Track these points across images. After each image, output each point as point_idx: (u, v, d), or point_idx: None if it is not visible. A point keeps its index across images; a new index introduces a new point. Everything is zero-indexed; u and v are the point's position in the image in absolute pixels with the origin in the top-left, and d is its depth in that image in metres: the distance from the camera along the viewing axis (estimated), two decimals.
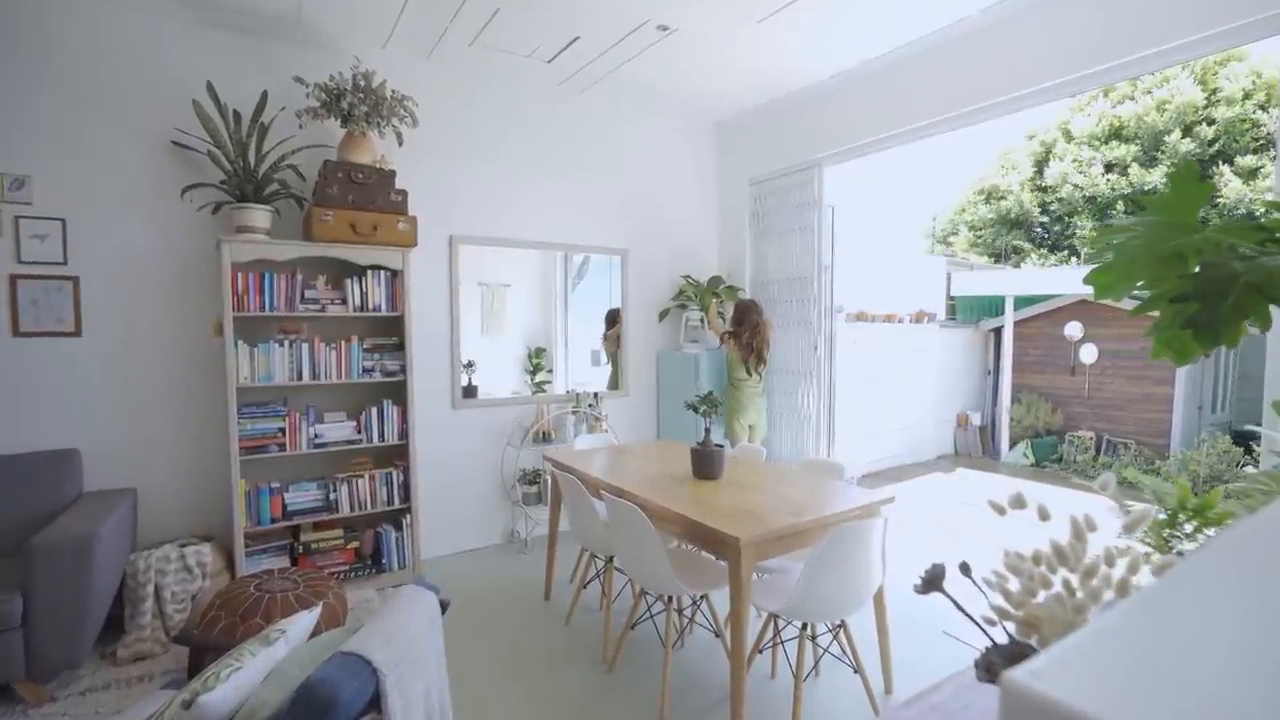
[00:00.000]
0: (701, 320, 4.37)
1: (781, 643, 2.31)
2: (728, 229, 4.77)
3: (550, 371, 4.15)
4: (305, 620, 1.45)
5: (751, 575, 1.90)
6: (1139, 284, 0.65)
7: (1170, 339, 0.64)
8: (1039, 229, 11.06)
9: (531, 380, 4.05)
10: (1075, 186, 9.92)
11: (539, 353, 4.11)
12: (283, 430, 2.96)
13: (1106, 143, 9.68)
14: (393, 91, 3.12)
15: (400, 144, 3.22)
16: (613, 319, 4.41)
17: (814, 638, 2.10)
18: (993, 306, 8.00)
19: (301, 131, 3.11)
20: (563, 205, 4.08)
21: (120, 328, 2.86)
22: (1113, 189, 9.47)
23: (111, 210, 2.84)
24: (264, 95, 2.93)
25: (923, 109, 3.43)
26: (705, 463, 2.55)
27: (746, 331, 3.91)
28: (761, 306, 4.05)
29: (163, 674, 2.36)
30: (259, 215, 2.87)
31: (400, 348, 3.24)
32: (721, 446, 2.59)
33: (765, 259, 4.48)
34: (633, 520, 2.11)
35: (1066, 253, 10.50)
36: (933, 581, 0.64)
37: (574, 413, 4.01)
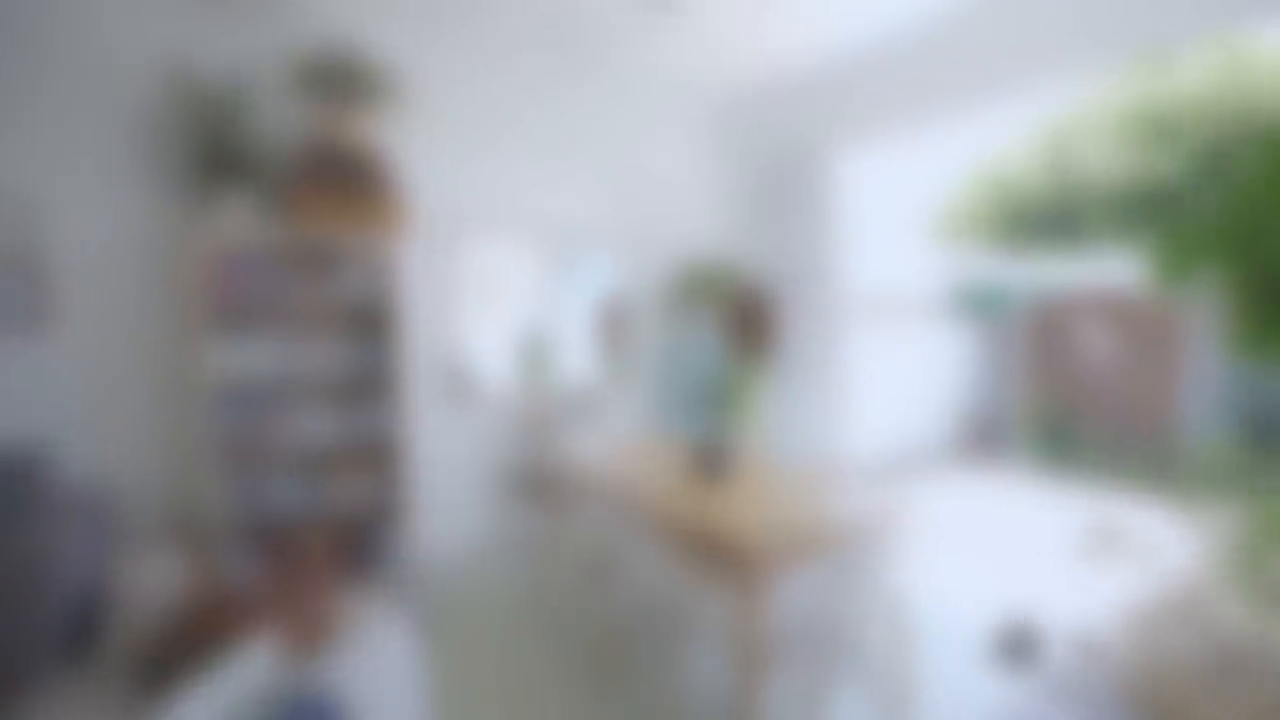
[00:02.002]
0: (706, 311, 4.22)
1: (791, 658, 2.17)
2: (733, 216, 4.61)
3: (549, 365, 4.00)
4: (264, 650, 1.31)
5: (765, 590, 1.75)
6: (1209, 268, 0.50)
7: (1257, 332, 0.50)
8: (1051, 218, 10.82)
9: (531, 374, 3.90)
10: (1094, 174, 9.67)
11: (538, 345, 3.95)
12: (266, 426, 2.82)
13: (1129, 128, 9.36)
14: (381, 67, 2.95)
15: (390, 122, 3.06)
16: (614, 310, 4.26)
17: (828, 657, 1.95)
18: (1003, 296, 7.85)
19: (284, 107, 2.94)
20: (561, 190, 3.92)
21: (89, 317, 2.70)
22: (1135, 177, 9.20)
23: (77, 193, 2.67)
24: (244, 68, 2.77)
25: (941, 91, 3.26)
26: (710, 462, 2.41)
27: (753, 323, 3.76)
28: (769, 297, 3.90)
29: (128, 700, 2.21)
30: (238, 198, 2.71)
31: (392, 338, 3.09)
32: (727, 445, 2.44)
33: (771, 247, 4.32)
34: (632, 525, 1.96)
35: (1079, 243, 10.27)
36: (1021, 648, 0.48)
37: (573, 408, 3.87)
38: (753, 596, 1.71)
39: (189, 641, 2.30)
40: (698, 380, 3.99)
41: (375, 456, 3.10)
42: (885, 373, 6.39)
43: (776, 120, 4.26)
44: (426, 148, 3.42)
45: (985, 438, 7.42)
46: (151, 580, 2.60)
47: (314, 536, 2.92)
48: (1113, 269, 6.69)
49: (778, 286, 4.19)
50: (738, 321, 3.78)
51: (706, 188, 4.58)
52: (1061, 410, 7.41)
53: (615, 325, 4.22)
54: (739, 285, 4.19)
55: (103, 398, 2.71)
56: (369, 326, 3.11)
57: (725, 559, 1.80)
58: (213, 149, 2.68)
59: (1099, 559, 2.57)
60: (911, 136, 3.74)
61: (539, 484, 3.67)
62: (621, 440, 3.51)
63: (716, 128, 4.61)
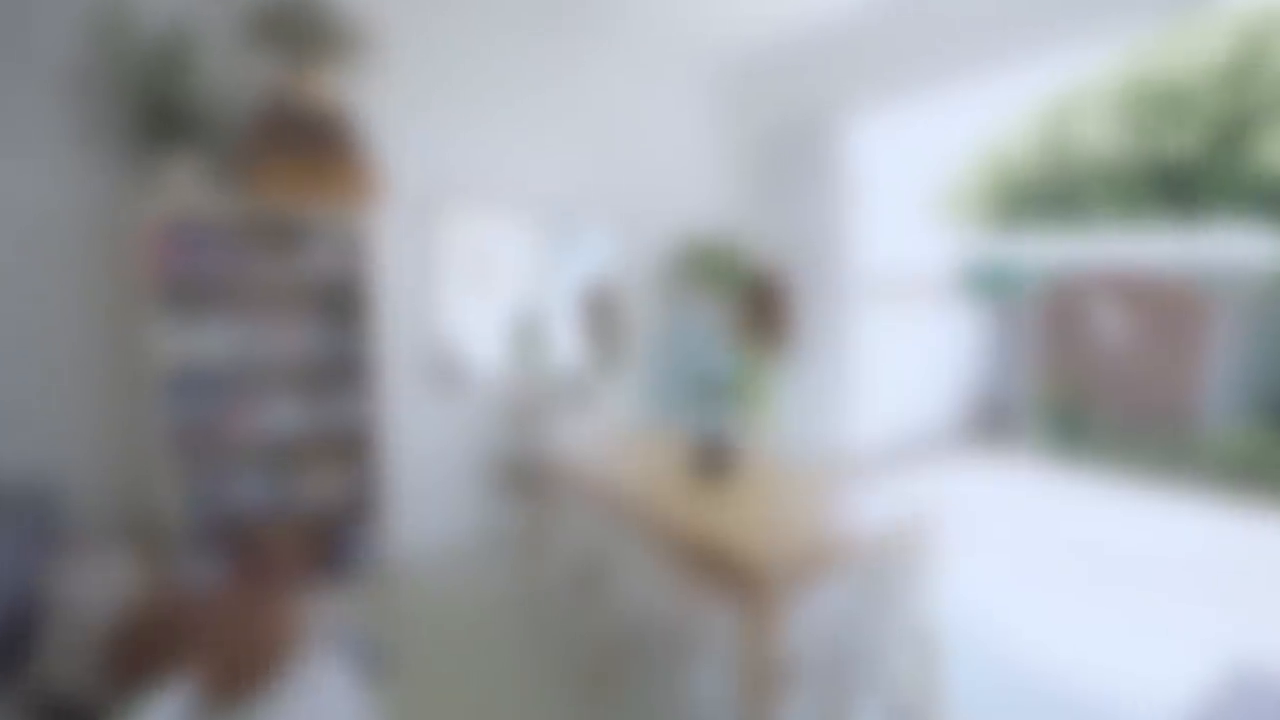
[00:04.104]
0: (711, 293, 3.93)
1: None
2: (736, 187, 4.32)
3: (541, 349, 3.73)
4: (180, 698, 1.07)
5: (777, 610, 1.51)
6: None
7: None
8: (1052, 195, 10.53)
9: (521, 359, 3.64)
10: (1095, 149, 9.36)
11: (529, 328, 3.68)
12: (225, 416, 2.57)
13: (1134, 102, 9.07)
14: (349, 17, 2.65)
15: (359, 81, 2.77)
16: (602, 290, 3.96)
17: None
18: (1015, 277, 7.58)
19: (237, 61, 2.65)
20: (552, 160, 3.63)
21: (20, 296, 2.42)
22: (1138, 152, 8.92)
23: (2, 157, 2.37)
24: (188, 15, 2.47)
25: (956, 52, 2.97)
26: (712, 460, 2.17)
27: (768, 311, 3.47)
28: (785, 282, 3.59)
29: None
30: (185, 163, 2.43)
31: (365, 320, 2.83)
32: (730, 440, 2.20)
33: (776, 222, 4.04)
34: (628, 527, 1.73)
35: (1081, 221, 10.00)
36: None
37: (566, 395, 3.62)
38: (763, 617, 1.48)
39: (138, 655, 2.08)
40: (700, 369, 3.73)
41: (347, 449, 2.86)
42: (893, 356, 6.15)
43: (782, 84, 3.96)
44: (402, 111, 3.12)
45: (995, 423, 7.21)
46: (100, 586, 2.37)
47: (280, 536, 2.70)
48: (1127, 249, 6.41)
49: (792, 270, 3.89)
50: (752, 308, 3.48)
51: (707, 157, 4.28)
52: (1074, 394, 7.19)
53: (603, 307, 3.94)
54: (754, 269, 3.88)
55: (38, 386, 2.45)
56: (339, 307, 2.85)
57: (732, 575, 1.56)
58: (156, 107, 2.39)
59: None
60: (924, 102, 3.45)
61: (528, 478, 3.44)
62: (616, 431, 3.27)
63: (717, 92, 4.30)
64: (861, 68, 3.49)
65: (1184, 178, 9.06)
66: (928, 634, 1.78)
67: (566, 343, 3.85)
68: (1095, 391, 7.03)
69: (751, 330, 3.45)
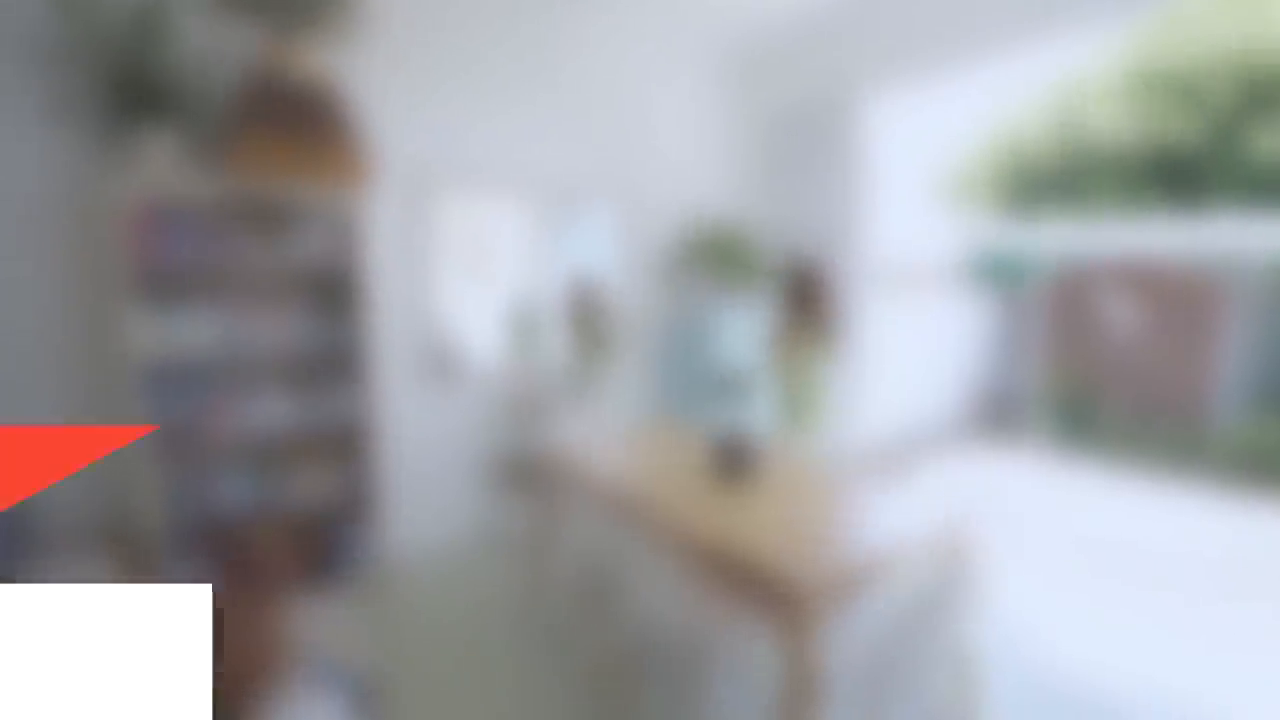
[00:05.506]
0: (724, 282, 3.76)
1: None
2: (745, 173, 4.17)
3: (542, 340, 3.59)
4: None
5: (816, 629, 1.38)
6: None
7: None
8: (1062, 181, 10.39)
9: (521, 350, 3.50)
10: (1105, 136, 9.22)
11: (529, 318, 3.54)
12: (209, 412, 2.42)
13: (1139, 89, 8.92)
14: None
15: (348, 55, 2.60)
16: (583, 289, 3.70)
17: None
18: (1023, 266, 7.47)
19: (219, 30, 2.47)
20: (553, 142, 3.47)
21: None
22: (1146, 139, 8.78)
23: None
24: None
25: (972, 30, 2.82)
26: (733, 460, 2.04)
27: (813, 302, 3.29)
28: (827, 272, 3.39)
29: None
30: (163, 141, 2.26)
31: (356, 310, 2.68)
32: (752, 439, 2.07)
33: (786, 208, 3.90)
34: (640, 531, 1.60)
35: (1090, 207, 9.88)
36: None
37: (569, 388, 3.48)
38: (801, 635, 1.35)
39: None
40: (718, 362, 3.58)
41: (339, 445, 2.72)
42: (897, 347, 6.03)
43: (792, 64, 3.80)
44: (396, 88, 2.95)
45: (1001, 416, 7.11)
46: None
47: (268, 538, 2.56)
48: (1137, 237, 6.28)
49: (831, 259, 3.71)
50: (795, 301, 3.29)
51: (714, 140, 4.12)
52: (1082, 386, 7.10)
53: (587, 305, 3.77)
54: (793, 259, 3.69)
55: (7, 379, 2.29)
56: (329, 296, 2.70)
57: (766, 591, 1.44)
58: (131, 81, 2.22)
59: None
60: (937, 85, 3.30)
61: (530, 475, 3.31)
62: (623, 426, 3.13)
63: (725, 72, 4.14)
64: (874, 48, 3.33)
65: (1191, 164, 8.95)
66: (968, 647, 1.66)
67: (562, 335, 3.70)
68: (1104, 383, 6.94)
69: (796, 325, 3.26)
